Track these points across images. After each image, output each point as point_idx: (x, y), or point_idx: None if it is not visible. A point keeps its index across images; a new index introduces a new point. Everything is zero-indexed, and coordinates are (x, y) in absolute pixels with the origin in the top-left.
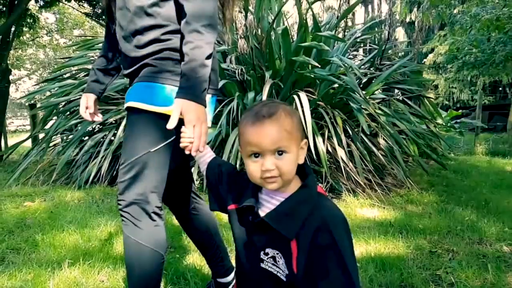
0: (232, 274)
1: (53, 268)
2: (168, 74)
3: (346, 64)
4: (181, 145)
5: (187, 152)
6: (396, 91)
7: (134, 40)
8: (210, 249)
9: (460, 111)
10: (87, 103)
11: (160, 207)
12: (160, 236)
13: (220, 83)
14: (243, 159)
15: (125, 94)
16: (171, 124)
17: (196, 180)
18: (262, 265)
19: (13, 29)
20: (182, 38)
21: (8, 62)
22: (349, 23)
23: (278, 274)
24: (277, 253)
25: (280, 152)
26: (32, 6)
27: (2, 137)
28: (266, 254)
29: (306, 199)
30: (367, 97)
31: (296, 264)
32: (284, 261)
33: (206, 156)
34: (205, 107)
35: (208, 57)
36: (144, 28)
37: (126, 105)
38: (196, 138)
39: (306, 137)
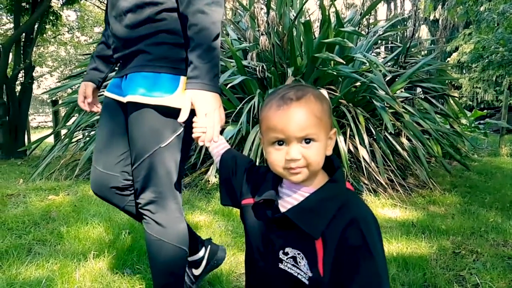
0: (203, 250)
1: (78, 260)
2: (164, 61)
3: (371, 61)
4: (194, 135)
5: (200, 143)
6: (419, 89)
7: (126, 20)
8: None
9: (484, 111)
10: (85, 93)
11: (180, 201)
12: (182, 231)
13: (239, 79)
14: (264, 148)
15: None
16: (182, 117)
17: (215, 177)
18: (281, 265)
19: (36, 26)
20: (183, 19)
21: (31, 59)
22: (371, 21)
23: (299, 276)
24: (299, 253)
25: (308, 140)
26: (54, 3)
27: (26, 132)
28: (286, 253)
29: (335, 195)
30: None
31: (323, 266)
32: (307, 262)
33: (220, 147)
34: (219, 93)
35: (215, 38)
36: (136, 5)
37: (125, 99)
38: (209, 128)
39: None
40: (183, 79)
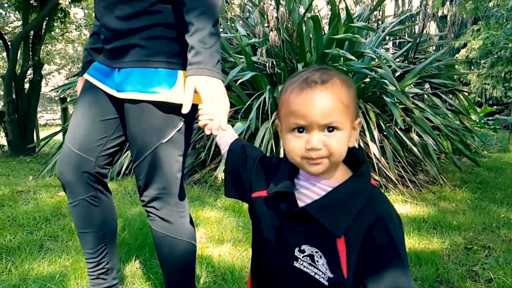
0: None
1: None
2: (163, 56)
3: (381, 56)
4: (200, 123)
5: (207, 131)
6: (426, 85)
7: (117, 10)
8: (95, 253)
9: (494, 107)
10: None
11: (184, 196)
12: (188, 226)
13: (249, 75)
14: (282, 135)
15: None
16: (186, 108)
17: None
18: (296, 264)
19: (44, 23)
20: (178, 5)
21: (40, 56)
22: (379, 17)
23: (316, 276)
24: (317, 252)
25: (331, 129)
26: (62, 0)
27: (34, 130)
28: (302, 251)
29: (360, 191)
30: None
31: (347, 266)
32: (326, 262)
33: (228, 136)
34: (223, 80)
35: (215, 23)
36: None
37: (122, 96)
38: (217, 115)
39: None
40: (181, 73)
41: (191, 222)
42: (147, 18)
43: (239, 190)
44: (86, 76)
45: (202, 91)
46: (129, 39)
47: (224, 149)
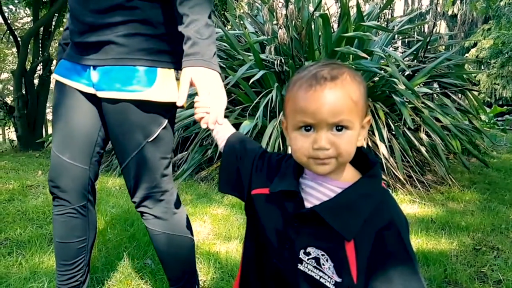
0: None
1: (99, 250)
2: (139, 54)
3: (390, 56)
4: (196, 116)
5: (203, 125)
6: (435, 85)
7: (91, 4)
8: (72, 265)
9: (504, 107)
10: None
11: (174, 192)
12: (183, 220)
13: (260, 73)
14: (287, 133)
15: None
16: (181, 101)
17: None
18: (300, 266)
19: (54, 19)
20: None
21: (49, 52)
22: (388, 16)
23: (322, 280)
24: (323, 255)
25: (340, 128)
26: None
27: (43, 125)
28: (307, 254)
29: (372, 193)
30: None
31: (357, 271)
32: (333, 265)
33: (225, 130)
34: (220, 73)
35: (210, 16)
36: None
37: (101, 95)
38: (214, 108)
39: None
40: (160, 71)
41: (186, 216)
42: (123, 13)
43: (235, 186)
44: (55, 76)
45: (198, 83)
46: (103, 35)
47: (221, 144)
